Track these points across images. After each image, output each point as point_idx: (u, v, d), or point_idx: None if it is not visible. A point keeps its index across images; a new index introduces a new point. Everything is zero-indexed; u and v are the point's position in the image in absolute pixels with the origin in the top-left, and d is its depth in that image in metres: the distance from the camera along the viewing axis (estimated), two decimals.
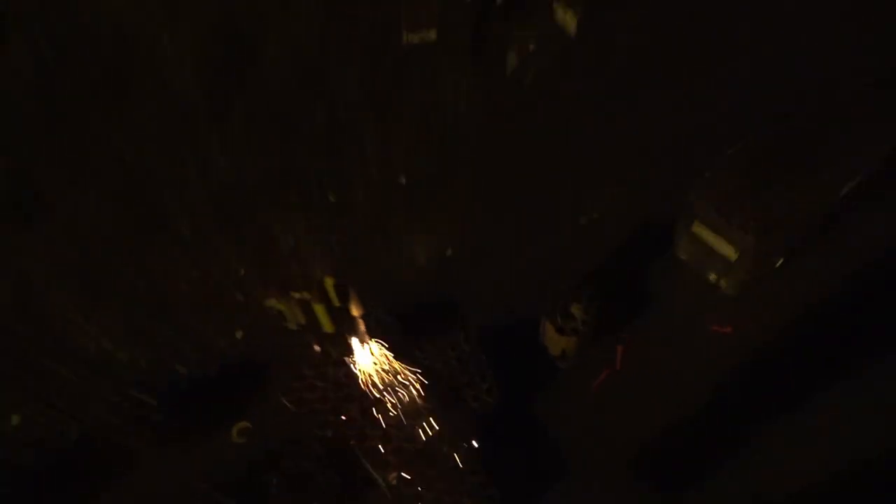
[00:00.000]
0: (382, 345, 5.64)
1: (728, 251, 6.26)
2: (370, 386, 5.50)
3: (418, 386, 5.61)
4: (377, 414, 5.49)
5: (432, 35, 8.12)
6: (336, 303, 5.33)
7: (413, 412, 5.46)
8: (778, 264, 6.58)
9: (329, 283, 5.35)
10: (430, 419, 5.47)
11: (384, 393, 5.49)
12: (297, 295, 5.40)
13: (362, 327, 5.46)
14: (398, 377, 5.56)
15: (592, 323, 6.02)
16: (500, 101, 7.90)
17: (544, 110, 7.74)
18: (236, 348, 6.44)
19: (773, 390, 6.03)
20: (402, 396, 5.49)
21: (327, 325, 5.54)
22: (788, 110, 6.62)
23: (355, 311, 5.38)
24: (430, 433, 5.39)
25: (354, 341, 5.46)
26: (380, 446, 5.37)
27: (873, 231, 6.63)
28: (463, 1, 8.12)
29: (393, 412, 5.44)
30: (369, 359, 5.52)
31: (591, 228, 6.98)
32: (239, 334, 6.54)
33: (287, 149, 7.55)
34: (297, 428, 5.85)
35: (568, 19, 8.13)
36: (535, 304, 6.26)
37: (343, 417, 5.50)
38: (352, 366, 5.58)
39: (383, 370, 5.56)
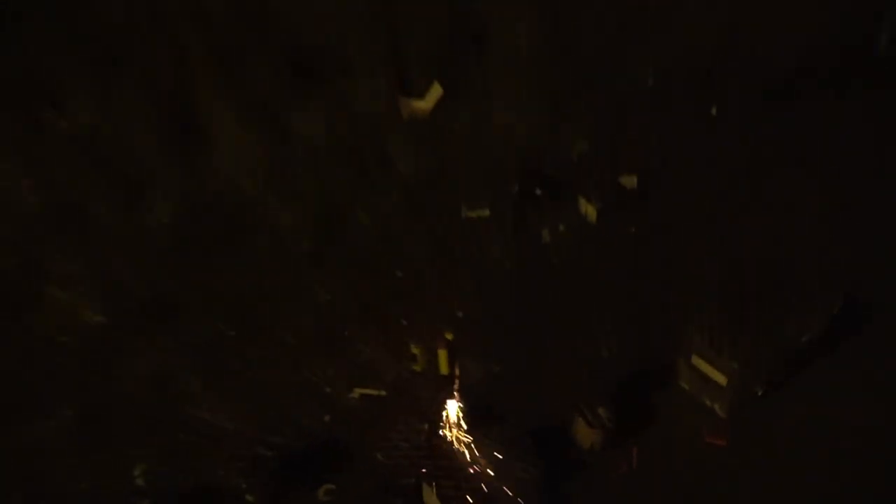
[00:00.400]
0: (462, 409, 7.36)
1: (720, 378, 8.18)
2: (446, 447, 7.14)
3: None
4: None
5: (486, 212, 10.80)
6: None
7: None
8: (760, 392, 8.45)
9: (442, 353, 7.30)
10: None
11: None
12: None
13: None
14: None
15: (614, 422, 7.76)
16: (535, 264, 10.29)
17: (569, 273, 10.08)
18: (324, 428, 8.10)
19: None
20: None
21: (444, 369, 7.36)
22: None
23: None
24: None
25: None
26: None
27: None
28: (510, 190, 10.89)
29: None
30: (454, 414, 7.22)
31: (612, 360, 8.94)
32: (327, 418, 8.23)
33: (370, 287, 9.80)
34: (374, 489, 7.34)
35: (590, 211, 10.84)
36: (567, 412, 8.04)
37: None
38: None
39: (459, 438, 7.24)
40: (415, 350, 8.01)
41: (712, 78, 12.49)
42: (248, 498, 7.29)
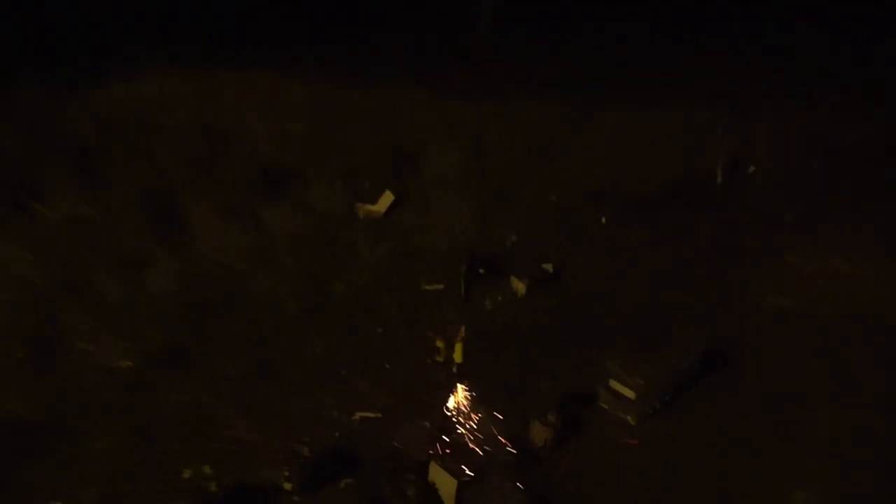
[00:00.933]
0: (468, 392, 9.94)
1: (630, 394, 11.34)
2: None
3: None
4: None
5: (441, 286, 13.84)
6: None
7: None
8: (658, 406, 11.65)
9: (458, 347, 9.92)
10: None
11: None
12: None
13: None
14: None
15: (560, 425, 10.63)
16: (481, 325, 13.28)
17: (508, 331, 13.13)
18: (335, 441, 10.35)
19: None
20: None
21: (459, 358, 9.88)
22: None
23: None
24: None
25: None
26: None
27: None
28: (459, 270, 14.05)
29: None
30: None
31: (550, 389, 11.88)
32: (336, 434, 10.50)
33: (356, 338, 12.35)
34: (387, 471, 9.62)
35: (520, 287, 14.16)
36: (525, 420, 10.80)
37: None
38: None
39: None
40: (438, 344, 10.59)
41: (600, 196, 16.78)
42: (286, 486, 9.30)
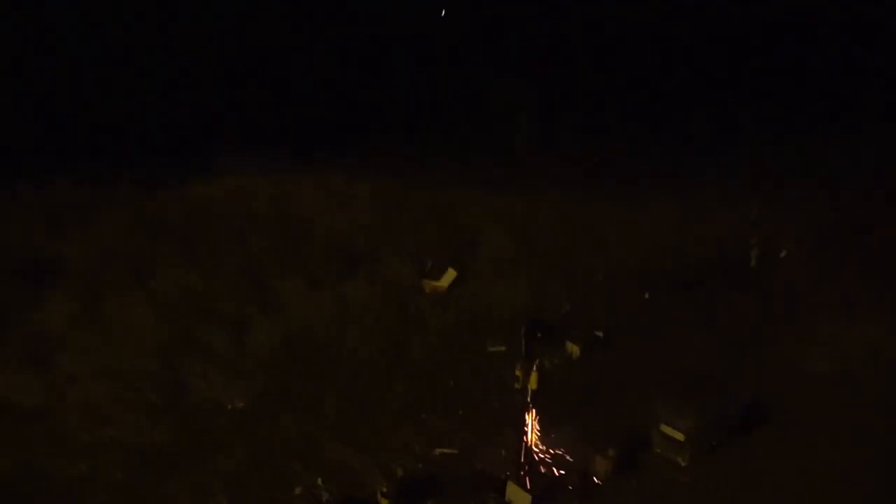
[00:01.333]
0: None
1: (679, 436, 12.92)
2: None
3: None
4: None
5: (503, 348, 15.80)
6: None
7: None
8: (706, 450, 13.14)
9: (534, 376, 11.70)
10: None
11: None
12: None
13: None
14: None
15: (618, 461, 12.20)
16: (540, 384, 15.05)
17: (564, 389, 14.87)
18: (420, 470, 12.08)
19: None
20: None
21: (534, 385, 11.58)
22: None
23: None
24: None
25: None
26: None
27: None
28: (519, 334, 16.01)
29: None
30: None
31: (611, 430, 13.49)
32: (420, 465, 12.23)
33: (434, 391, 14.23)
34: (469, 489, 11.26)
35: (574, 350, 16.02)
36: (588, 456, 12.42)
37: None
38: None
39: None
40: (517, 373, 12.40)
41: (642, 275, 18.85)
42: (383, 501, 11.00)
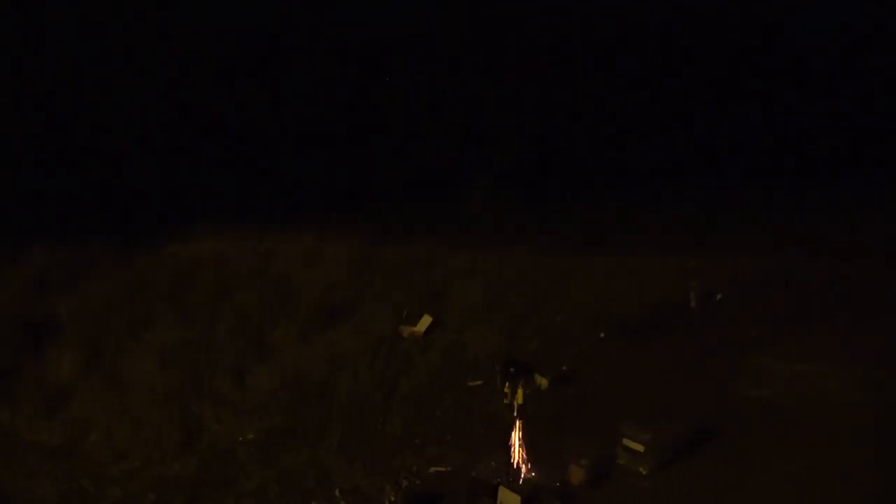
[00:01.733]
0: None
1: (639, 448, 15.23)
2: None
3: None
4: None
5: (480, 382, 18.00)
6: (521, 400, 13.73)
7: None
8: (664, 462, 15.46)
9: (520, 392, 13.82)
10: None
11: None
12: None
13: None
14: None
15: (591, 469, 14.42)
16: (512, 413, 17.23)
17: (534, 416, 17.07)
18: (420, 485, 14.01)
19: None
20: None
21: (520, 400, 13.64)
22: None
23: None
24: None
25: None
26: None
27: None
28: (495, 370, 18.24)
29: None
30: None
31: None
32: (417, 482, 14.17)
33: (423, 420, 16.22)
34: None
35: (543, 382, 18.34)
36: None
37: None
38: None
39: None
40: (506, 390, 14.51)
41: (599, 318, 21.48)
42: None
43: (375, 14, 32.89)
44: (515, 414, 14.18)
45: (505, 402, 14.79)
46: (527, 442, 14.09)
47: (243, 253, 23.87)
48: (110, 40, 32.31)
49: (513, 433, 13.95)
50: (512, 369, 18.40)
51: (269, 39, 32.05)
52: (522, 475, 13.56)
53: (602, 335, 20.88)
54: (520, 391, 14.11)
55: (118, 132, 29.03)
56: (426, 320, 20.78)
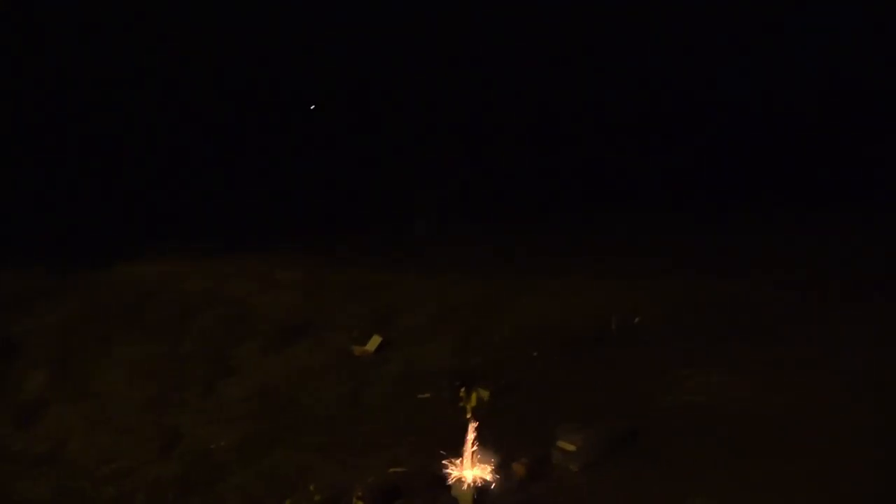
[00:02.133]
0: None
1: (571, 447, 17.78)
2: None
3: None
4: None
5: (428, 395, 20.25)
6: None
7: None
8: (594, 460, 18.03)
9: (473, 396, 16.06)
10: None
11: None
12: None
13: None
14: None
15: (530, 468, 16.85)
16: (458, 424, 19.55)
17: (478, 428, 19.45)
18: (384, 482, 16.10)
19: None
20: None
21: (474, 404, 15.84)
22: None
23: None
24: None
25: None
26: None
27: None
28: (442, 384, 20.52)
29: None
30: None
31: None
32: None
33: (372, 430, 18.30)
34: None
35: (485, 395, 20.70)
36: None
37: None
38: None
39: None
40: (461, 393, 16.72)
41: (535, 337, 24.13)
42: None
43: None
44: (469, 416, 16.51)
45: (461, 404, 17.07)
46: (477, 443, 16.42)
47: (194, 276, 25.43)
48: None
49: (466, 435, 16.24)
50: (457, 382, 20.78)
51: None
52: (473, 472, 15.80)
53: (535, 353, 23.52)
54: (473, 395, 16.44)
55: (69, 155, 30.01)
56: (375, 340, 22.91)
